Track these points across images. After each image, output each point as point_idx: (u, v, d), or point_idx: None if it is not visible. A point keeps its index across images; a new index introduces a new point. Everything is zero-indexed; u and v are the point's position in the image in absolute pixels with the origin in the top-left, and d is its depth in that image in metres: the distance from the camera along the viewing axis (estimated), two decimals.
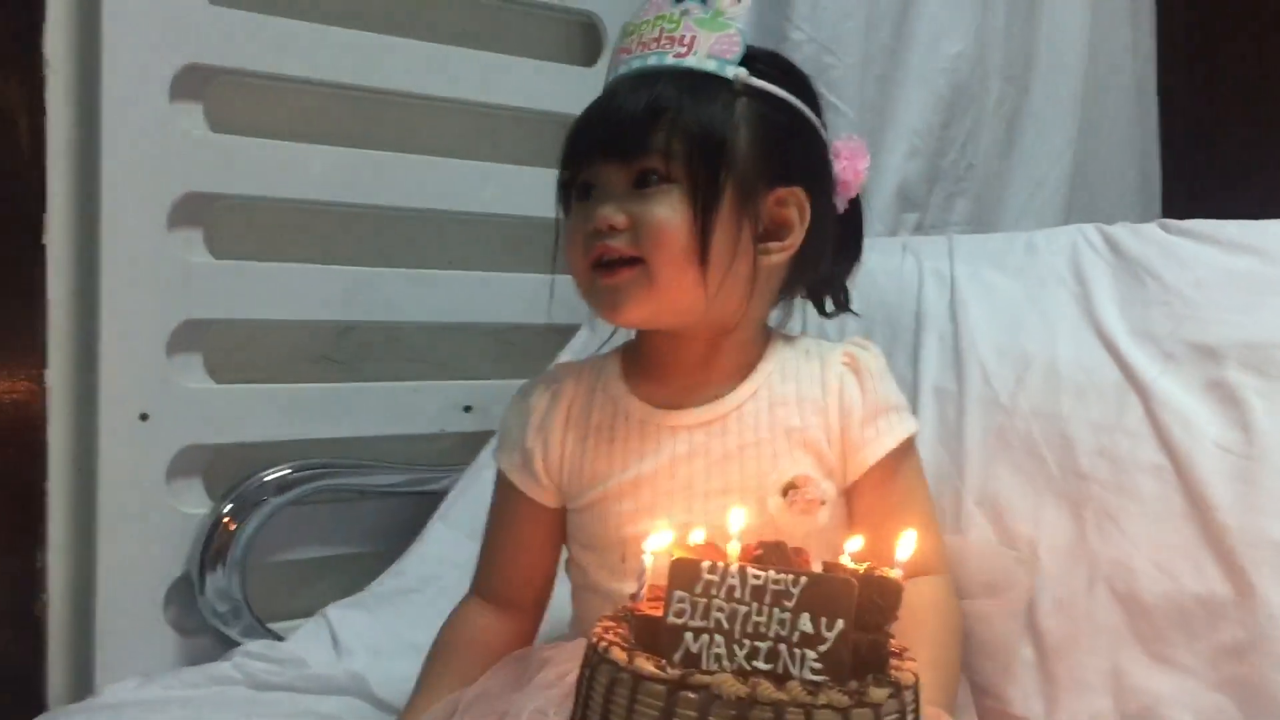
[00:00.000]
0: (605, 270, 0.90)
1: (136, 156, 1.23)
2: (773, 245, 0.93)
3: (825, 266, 0.99)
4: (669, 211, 0.88)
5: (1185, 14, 2.04)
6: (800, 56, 1.51)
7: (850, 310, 1.04)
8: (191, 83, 1.27)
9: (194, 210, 1.28)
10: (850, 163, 0.97)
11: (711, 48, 0.90)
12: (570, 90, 1.52)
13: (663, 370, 0.96)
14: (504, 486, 1.00)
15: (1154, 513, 0.94)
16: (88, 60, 1.21)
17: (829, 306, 1.04)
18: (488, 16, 1.52)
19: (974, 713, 0.92)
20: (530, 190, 1.49)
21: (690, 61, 0.90)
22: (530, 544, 0.99)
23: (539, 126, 1.53)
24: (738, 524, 0.75)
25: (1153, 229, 1.11)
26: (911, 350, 1.16)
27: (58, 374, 1.23)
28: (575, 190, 0.93)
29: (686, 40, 0.90)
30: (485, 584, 1.01)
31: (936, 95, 1.64)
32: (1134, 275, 1.07)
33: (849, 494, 0.95)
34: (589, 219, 0.90)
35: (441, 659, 0.97)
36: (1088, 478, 0.98)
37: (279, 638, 1.28)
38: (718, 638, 0.66)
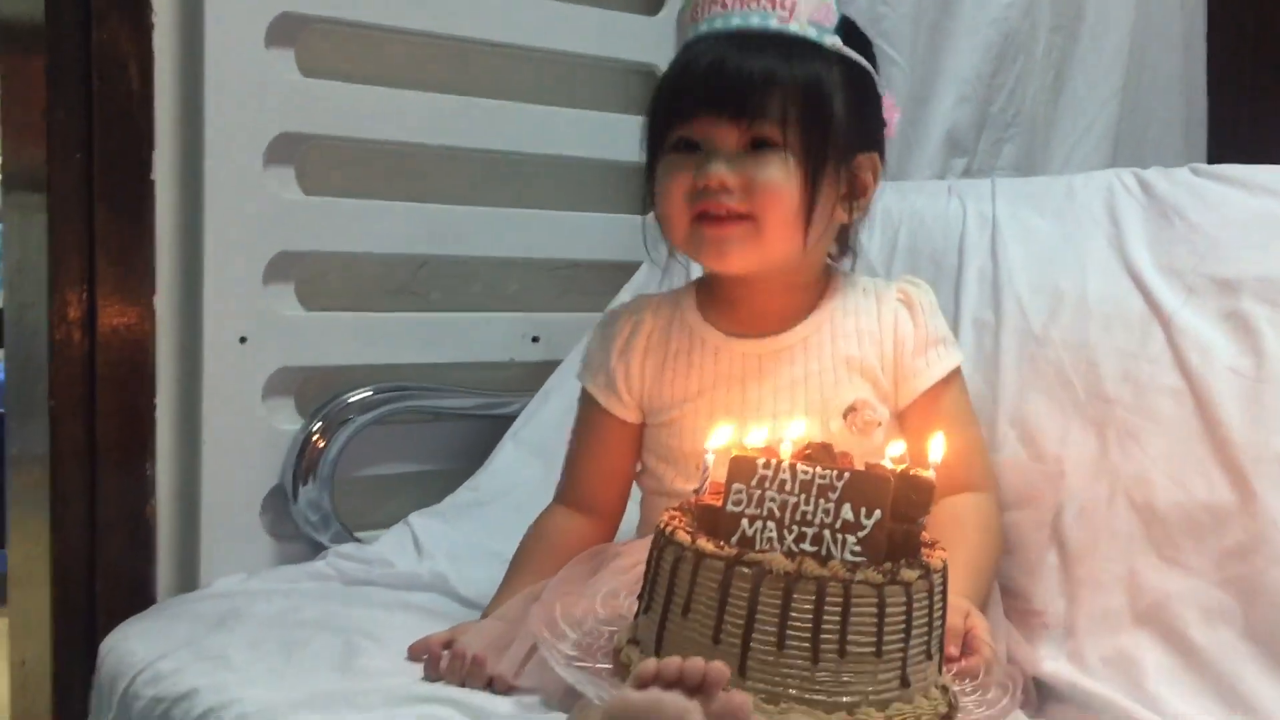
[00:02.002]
0: (712, 223, 0.97)
1: (235, 99, 1.32)
2: (854, 204, 1.02)
3: None
4: (784, 175, 0.95)
5: None
6: (854, 7, 1.58)
7: (852, 252, 1.11)
8: (285, 30, 1.36)
9: (287, 150, 1.38)
10: (889, 117, 1.06)
11: (812, 15, 0.97)
12: (634, 39, 1.60)
13: (736, 306, 1.05)
14: (588, 403, 1.09)
15: (1171, 431, 1.02)
16: (191, 10, 1.31)
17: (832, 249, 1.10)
18: None
19: (1002, 613, 1.00)
20: (593, 134, 1.58)
21: (793, 27, 0.96)
22: (610, 454, 1.08)
23: (603, 73, 1.61)
24: (796, 432, 0.84)
25: (1184, 173, 1.18)
26: (954, 285, 1.24)
27: (165, 301, 1.33)
28: (671, 143, 0.99)
29: (787, 4, 0.96)
30: (568, 491, 1.10)
31: (986, 44, 1.70)
32: (1163, 215, 1.15)
33: (901, 418, 1.04)
34: (699, 174, 0.96)
35: (526, 557, 1.06)
36: (1112, 401, 1.07)
37: (362, 543, 1.40)
38: (769, 524, 0.76)
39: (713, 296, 1.07)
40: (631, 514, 1.14)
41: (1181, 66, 1.96)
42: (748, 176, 0.95)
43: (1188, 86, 1.97)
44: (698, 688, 0.68)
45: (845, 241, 1.09)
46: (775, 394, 1.01)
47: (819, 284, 1.06)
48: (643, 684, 0.69)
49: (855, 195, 1.02)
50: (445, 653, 0.95)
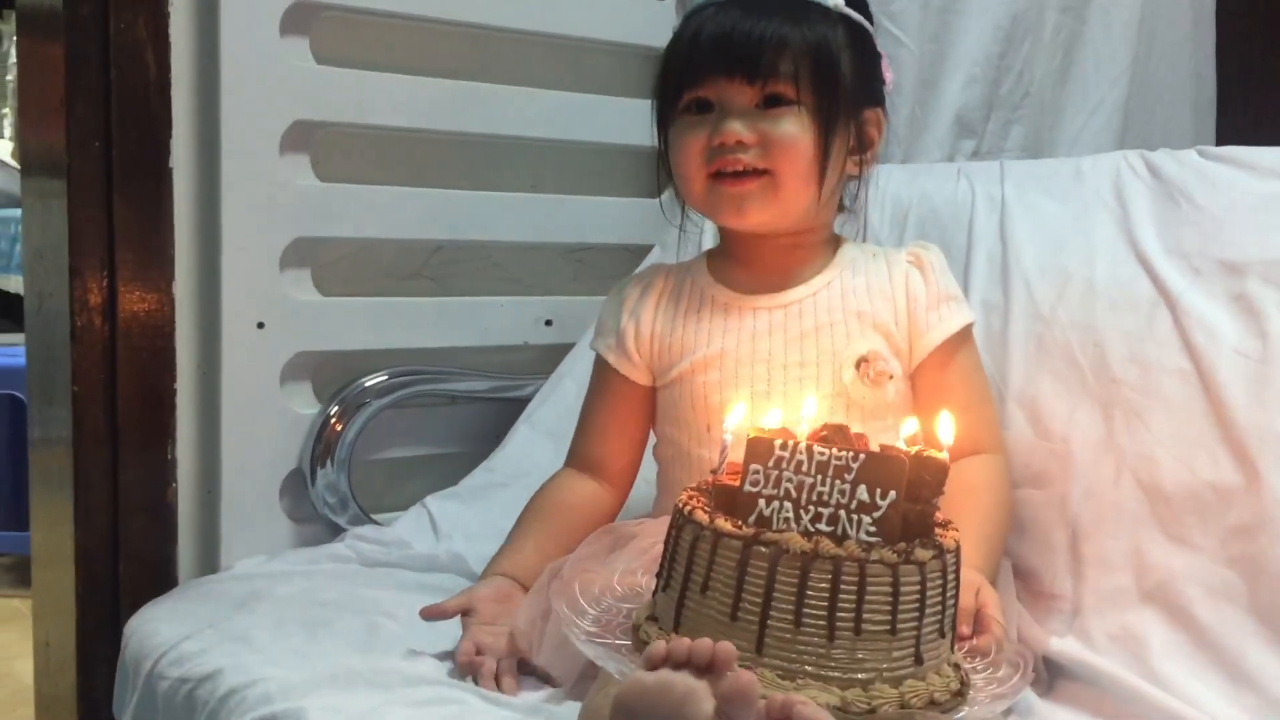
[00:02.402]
0: (730, 179, 1.00)
1: (251, 87, 1.34)
2: (862, 158, 1.05)
3: None
4: (798, 130, 0.99)
5: None
6: None
7: (849, 209, 1.13)
8: (300, 18, 1.37)
9: (302, 137, 1.39)
10: (886, 75, 1.09)
11: None
12: (644, 23, 1.61)
13: (747, 265, 1.08)
14: (600, 368, 1.12)
15: (1176, 412, 1.04)
16: None
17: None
18: None
19: (1014, 591, 1.03)
20: (606, 119, 1.59)
21: None
22: (621, 416, 1.11)
23: (614, 58, 1.62)
24: (809, 410, 0.86)
25: (1191, 155, 1.19)
26: (963, 267, 1.26)
27: (184, 287, 1.34)
28: (684, 105, 1.02)
29: None
30: (579, 454, 1.13)
31: (995, 25, 1.71)
32: (1170, 198, 1.16)
33: (914, 376, 1.06)
34: (715, 133, 0.99)
35: (533, 515, 1.10)
36: (1118, 381, 1.08)
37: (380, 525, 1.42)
38: (786, 504, 0.77)
39: (724, 259, 1.10)
40: (646, 493, 1.16)
41: (1191, 46, 1.96)
42: (763, 132, 0.99)
43: (1197, 66, 1.97)
44: (707, 668, 0.70)
45: (854, 194, 1.12)
46: (786, 346, 1.03)
47: (829, 245, 1.09)
48: (653, 665, 0.71)
49: (863, 149, 1.05)
50: (483, 659, 0.95)
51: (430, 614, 1.00)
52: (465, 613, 1.00)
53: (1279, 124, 2.01)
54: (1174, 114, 1.91)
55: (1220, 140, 1.97)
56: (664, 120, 1.05)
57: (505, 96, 1.52)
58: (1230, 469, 0.99)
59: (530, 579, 1.02)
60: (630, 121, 1.57)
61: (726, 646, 0.70)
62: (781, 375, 1.02)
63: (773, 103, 0.99)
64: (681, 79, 1.01)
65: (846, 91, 1.01)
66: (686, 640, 0.70)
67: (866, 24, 1.04)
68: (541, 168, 1.60)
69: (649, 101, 1.08)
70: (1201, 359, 1.04)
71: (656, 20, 1.60)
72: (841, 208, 1.12)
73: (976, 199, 1.30)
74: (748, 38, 0.97)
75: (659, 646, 0.71)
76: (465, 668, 0.95)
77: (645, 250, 1.56)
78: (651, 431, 1.12)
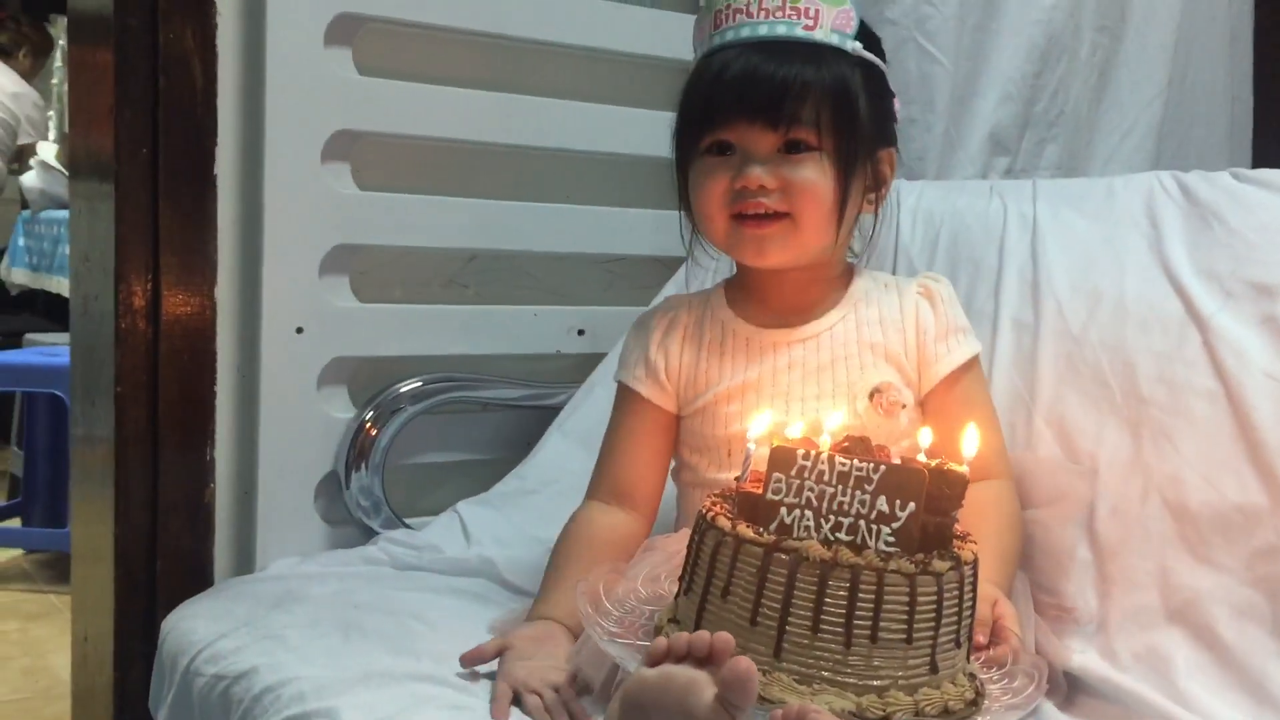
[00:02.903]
0: (752, 222, 1.01)
1: (295, 97, 1.37)
2: (875, 196, 1.07)
3: None
4: (819, 176, 1.01)
5: None
6: (900, 8, 1.60)
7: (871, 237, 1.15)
8: (343, 30, 1.40)
9: (343, 146, 1.42)
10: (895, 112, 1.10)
11: (834, 22, 1.01)
12: (679, 37, 1.61)
13: (764, 299, 1.10)
14: (625, 398, 1.13)
15: (1204, 433, 1.04)
16: (253, 10, 1.35)
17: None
18: None
19: (1030, 605, 1.03)
20: (640, 131, 1.60)
21: (818, 35, 1.01)
22: (648, 444, 1.12)
23: (650, 71, 1.64)
24: (833, 423, 0.87)
25: (1224, 176, 1.19)
26: (994, 285, 1.26)
27: (225, 291, 1.37)
28: (706, 146, 1.03)
29: (811, 13, 1.00)
30: (606, 485, 1.11)
31: (1030, 44, 1.71)
32: (1203, 219, 1.16)
33: (923, 404, 1.08)
34: (738, 177, 1.00)
35: (565, 556, 1.06)
36: (1147, 401, 1.09)
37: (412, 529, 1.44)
38: (807, 513, 0.79)
39: (742, 292, 1.12)
40: (667, 515, 1.17)
41: (1227, 67, 1.95)
42: (785, 178, 1.00)
43: (1233, 87, 1.97)
44: (706, 659, 0.71)
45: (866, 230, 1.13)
46: (804, 379, 1.05)
47: (843, 278, 1.11)
48: (655, 661, 0.73)
49: (876, 187, 1.07)
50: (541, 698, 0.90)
51: (469, 660, 0.97)
52: (502, 650, 0.96)
53: None
54: (1209, 136, 1.91)
55: (1256, 164, 1.96)
56: (684, 156, 1.07)
57: (541, 108, 1.55)
58: (1257, 491, 0.99)
59: (572, 619, 0.98)
60: (664, 134, 1.55)
61: (724, 637, 0.72)
62: (800, 407, 1.04)
63: (794, 148, 1.00)
64: (703, 121, 1.03)
65: (864, 135, 1.02)
66: (686, 634, 0.72)
67: (880, 64, 1.05)
68: (576, 179, 1.63)
69: None
70: (1230, 381, 1.04)
71: (688, 34, 1.62)
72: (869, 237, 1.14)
73: (1009, 216, 1.31)
74: (771, 82, 0.99)
75: (660, 642, 0.73)
76: (498, 710, 0.89)
77: (677, 262, 1.57)
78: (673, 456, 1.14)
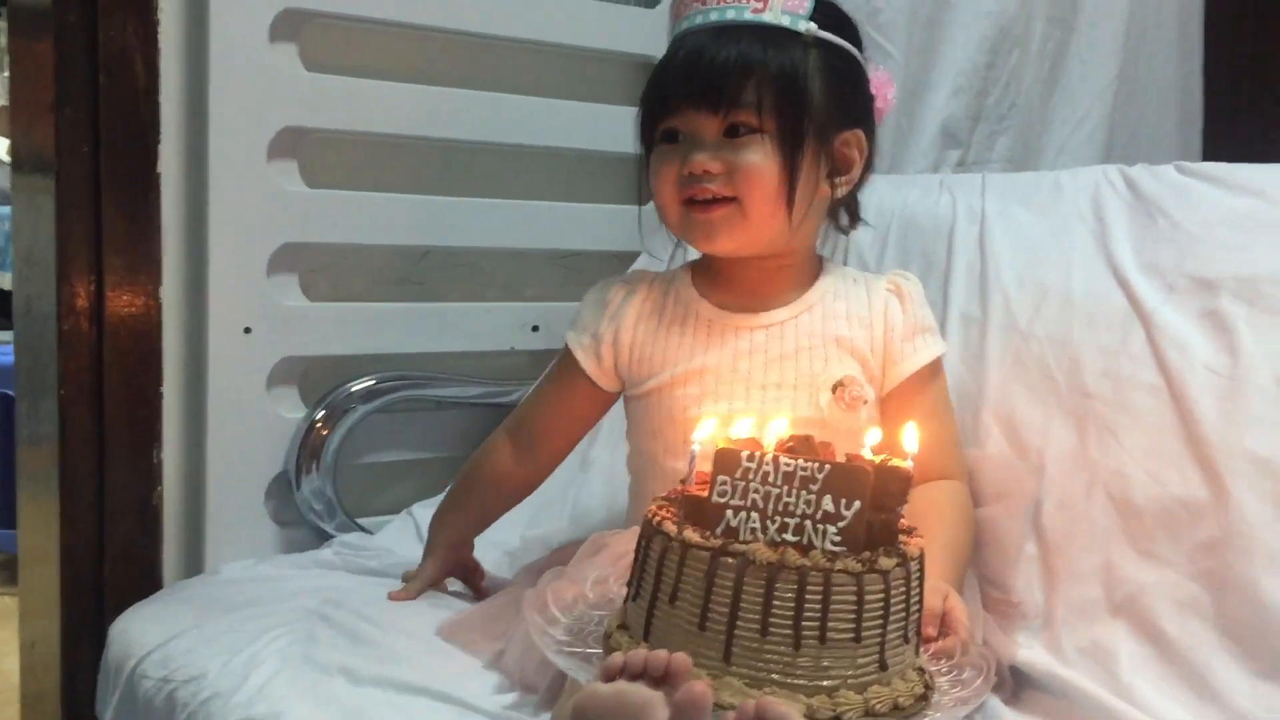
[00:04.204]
0: (700, 207, 1.02)
1: (239, 93, 1.35)
2: (839, 181, 1.06)
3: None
4: (762, 158, 1.00)
5: None
6: (851, 2, 1.59)
7: (864, 222, 1.15)
8: (289, 25, 1.38)
9: (290, 143, 1.40)
10: (881, 92, 1.10)
11: (785, 4, 1.01)
12: (632, 31, 1.62)
13: (729, 285, 1.10)
14: (567, 358, 1.14)
15: (1148, 427, 1.05)
16: (196, 5, 1.33)
17: (844, 221, 1.14)
18: None
19: (979, 600, 1.04)
20: (594, 125, 1.60)
21: (767, 17, 1.01)
22: (573, 412, 1.16)
23: (603, 66, 1.63)
24: (780, 428, 0.87)
25: (1169, 170, 1.20)
26: (943, 279, 1.27)
27: (171, 291, 1.35)
28: (659, 134, 1.04)
29: None
30: (519, 428, 1.18)
31: (982, 36, 1.73)
32: (1147, 213, 1.17)
33: (884, 403, 1.08)
34: (683, 163, 1.01)
35: (468, 485, 1.21)
36: (1092, 396, 1.09)
37: (366, 530, 1.44)
38: (753, 514, 0.78)
39: (708, 274, 1.11)
40: (620, 501, 1.18)
41: (1177, 57, 1.97)
42: (728, 161, 1.00)
43: (1183, 77, 1.99)
44: (662, 678, 0.71)
45: (854, 213, 1.13)
46: (765, 366, 1.05)
47: (811, 269, 1.11)
48: (609, 677, 0.72)
49: (840, 172, 1.06)
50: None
51: (398, 597, 1.14)
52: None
53: (1265, 133, 2.02)
54: (1160, 125, 1.93)
55: (1206, 151, 1.99)
56: (646, 145, 1.07)
57: (492, 103, 1.54)
58: (1199, 485, 1.00)
59: (467, 540, 1.20)
60: (617, 129, 1.56)
61: (681, 658, 0.71)
62: (760, 395, 1.03)
63: (737, 131, 1.00)
64: (653, 109, 1.05)
65: (816, 117, 1.01)
66: (642, 652, 0.72)
67: (848, 46, 1.05)
68: (528, 174, 1.62)
69: (633, 109, 1.09)
70: (1173, 375, 1.05)
71: (644, 28, 1.62)
72: (841, 228, 1.14)
73: (958, 211, 1.31)
74: (710, 67, 0.99)
75: (615, 658, 0.72)
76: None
77: (632, 256, 1.57)
78: (625, 442, 1.14)
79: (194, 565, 1.39)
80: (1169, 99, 1.95)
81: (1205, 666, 0.94)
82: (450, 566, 1.19)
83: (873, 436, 0.85)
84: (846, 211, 1.13)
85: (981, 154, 1.76)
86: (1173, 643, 0.96)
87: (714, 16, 1.01)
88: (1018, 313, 1.18)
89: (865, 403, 1.04)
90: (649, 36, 1.61)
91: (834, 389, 1.04)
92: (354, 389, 1.46)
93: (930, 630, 0.87)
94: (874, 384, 1.07)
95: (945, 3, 1.70)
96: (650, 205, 1.12)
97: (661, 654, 0.71)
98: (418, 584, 1.16)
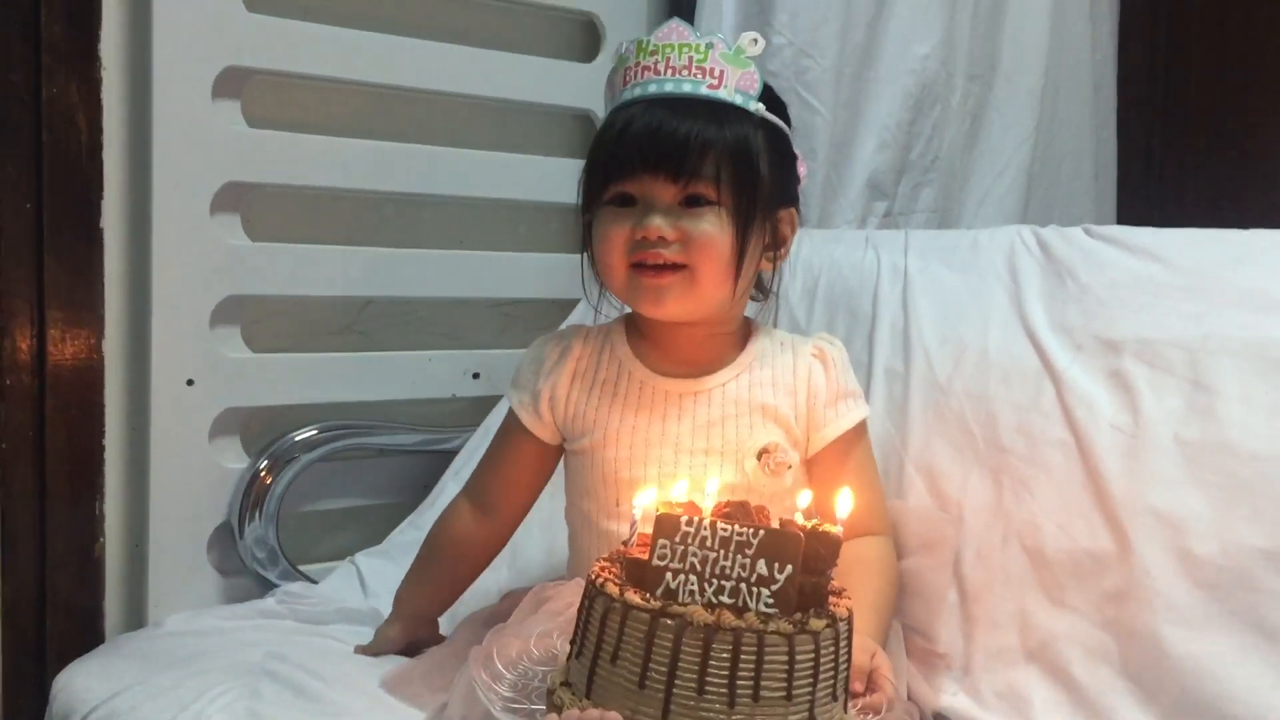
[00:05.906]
0: (651, 272, 1.05)
1: (182, 149, 1.37)
2: (775, 254, 1.12)
3: None
4: (717, 229, 1.04)
5: (1148, 21, 2.17)
6: (780, 60, 1.66)
7: (771, 293, 1.20)
8: (231, 82, 1.41)
9: (233, 197, 1.43)
10: (800, 173, 1.16)
11: (738, 83, 1.06)
12: (570, 85, 1.67)
13: (662, 348, 1.13)
14: (511, 417, 1.18)
15: (1058, 481, 1.11)
16: (139, 63, 1.35)
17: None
18: (495, 17, 1.65)
19: (904, 651, 1.09)
20: (530, 177, 1.64)
21: (722, 94, 1.05)
22: (521, 469, 1.18)
23: (540, 119, 1.67)
24: (713, 487, 0.92)
25: (1077, 233, 1.27)
26: (868, 335, 1.33)
27: (113, 344, 1.36)
28: (610, 196, 1.07)
29: (716, 73, 1.05)
30: (476, 490, 1.20)
31: (905, 93, 1.79)
32: (1057, 274, 1.24)
33: (809, 464, 1.13)
34: (638, 227, 1.04)
35: (430, 552, 1.22)
36: (1007, 451, 1.15)
37: (310, 579, 1.45)
38: (692, 577, 0.83)
39: (641, 336, 1.15)
40: (560, 549, 1.22)
41: (1092, 109, 2.06)
42: (684, 230, 1.04)
43: (1099, 129, 2.08)
44: None
45: (763, 286, 1.18)
46: (693, 432, 1.09)
47: (740, 334, 1.15)
48: None
49: (776, 246, 1.11)
50: None
51: (364, 652, 1.16)
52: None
53: (1179, 181, 2.12)
54: (1076, 176, 2.01)
55: (1122, 201, 2.08)
56: (588, 206, 1.10)
57: (432, 156, 1.57)
58: (1105, 537, 1.06)
59: (433, 614, 1.21)
60: (554, 180, 1.63)
61: (615, 717, 0.75)
62: (688, 460, 1.07)
63: (694, 202, 1.04)
64: (608, 172, 1.06)
65: (764, 193, 1.06)
66: (575, 712, 0.76)
67: (784, 127, 1.10)
68: (468, 225, 1.65)
69: (574, 161, 1.13)
70: (1081, 432, 1.11)
71: (579, 82, 1.67)
72: (764, 293, 1.18)
73: (882, 268, 1.37)
74: (673, 138, 1.02)
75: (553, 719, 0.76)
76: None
77: (571, 304, 1.61)
78: (563, 493, 1.18)
79: (137, 616, 1.39)
80: (1085, 149, 2.04)
81: (1112, 710, 0.99)
82: (412, 638, 1.19)
83: (803, 499, 0.90)
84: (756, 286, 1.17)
85: (907, 205, 1.82)
86: (1082, 688, 1.02)
87: (669, 87, 1.05)
88: (938, 369, 1.24)
89: (789, 468, 1.08)
90: (586, 90, 1.66)
91: (759, 455, 1.08)
92: (297, 438, 1.48)
93: (858, 686, 0.92)
94: (799, 448, 1.11)
95: (869, 60, 1.76)
96: (589, 274, 1.15)
97: (595, 714, 0.75)
98: (379, 647, 1.18)
